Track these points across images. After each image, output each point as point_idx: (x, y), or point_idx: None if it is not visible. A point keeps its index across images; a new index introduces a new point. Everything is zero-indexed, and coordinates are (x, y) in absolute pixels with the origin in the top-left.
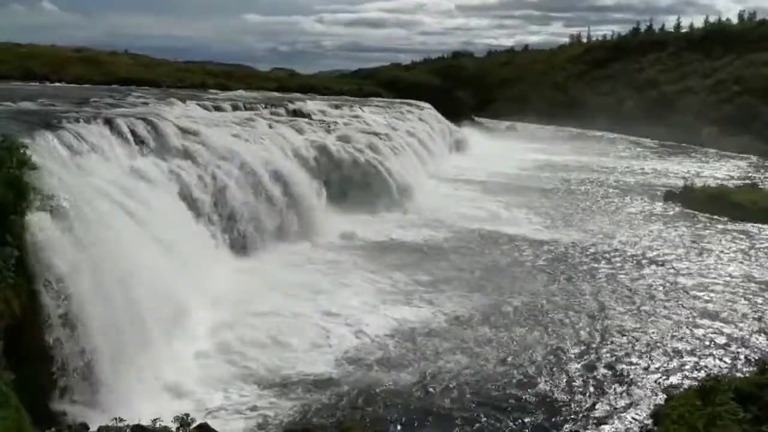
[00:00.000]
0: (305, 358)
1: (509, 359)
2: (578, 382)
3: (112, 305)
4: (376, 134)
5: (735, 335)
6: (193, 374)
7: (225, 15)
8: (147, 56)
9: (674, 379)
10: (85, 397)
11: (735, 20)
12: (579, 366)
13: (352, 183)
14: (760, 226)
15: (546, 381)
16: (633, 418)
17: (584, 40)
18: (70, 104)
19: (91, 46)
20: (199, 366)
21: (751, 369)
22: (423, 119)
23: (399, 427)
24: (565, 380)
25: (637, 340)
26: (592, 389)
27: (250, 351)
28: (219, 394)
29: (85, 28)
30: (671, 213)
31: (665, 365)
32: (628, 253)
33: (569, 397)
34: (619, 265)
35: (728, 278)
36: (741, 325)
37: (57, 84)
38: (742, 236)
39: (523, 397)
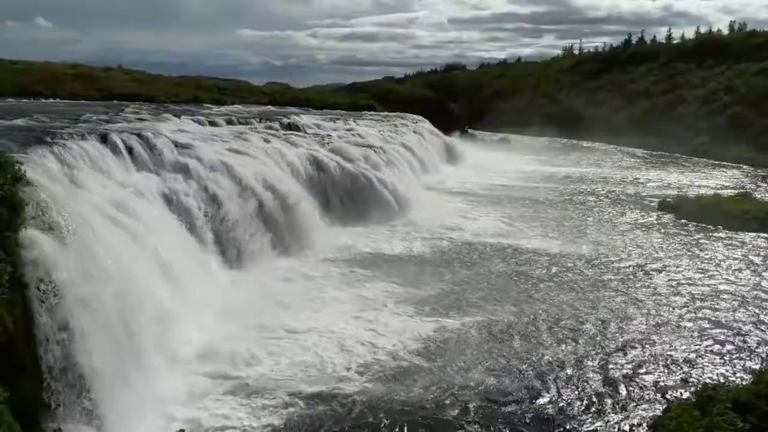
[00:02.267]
0: (305, 371)
1: (509, 371)
2: (578, 393)
3: (107, 321)
4: (371, 147)
5: (734, 343)
6: (189, 390)
7: (219, 30)
8: (141, 72)
9: (673, 389)
10: (80, 414)
11: (726, 31)
12: (579, 376)
13: (346, 196)
14: (754, 235)
15: (544, 391)
16: (631, 430)
17: (576, 52)
18: (64, 120)
19: (87, 62)
20: (195, 382)
21: (749, 378)
22: (417, 132)
23: None
24: (564, 391)
25: (637, 349)
26: (591, 400)
27: (246, 366)
28: (215, 410)
29: (80, 44)
30: (666, 223)
31: (665, 375)
32: (626, 263)
33: (568, 408)
34: (616, 274)
35: (727, 287)
36: (739, 333)
37: (51, 100)
38: (737, 245)
39: (519, 410)
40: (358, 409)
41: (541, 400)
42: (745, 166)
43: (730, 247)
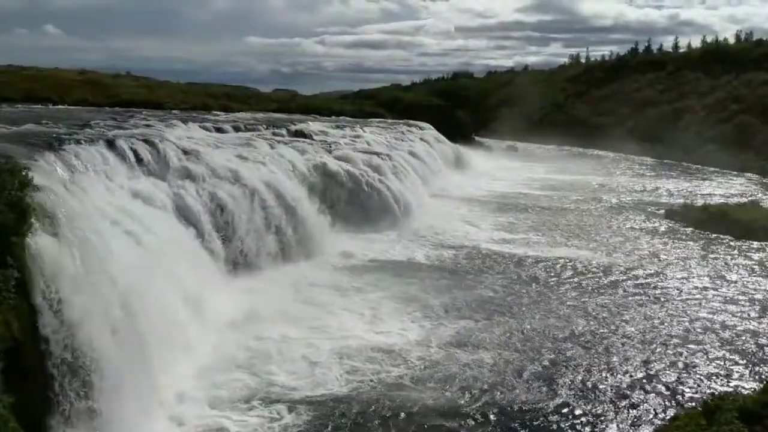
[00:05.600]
0: (314, 381)
1: (515, 377)
2: (584, 401)
3: (113, 327)
4: (377, 154)
5: (744, 351)
6: (195, 398)
7: (227, 37)
8: (149, 78)
9: (681, 398)
10: (85, 420)
11: (732, 40)
12: (585, 383)
13: (353, 202)
14: (763, 243)
15: (549, 399)
16: None
17: (583, 60)
18: (72, 126)
19: (95, 68)
20: (201, 389)
21: (757, 387)
22: (424, 139)
23: None
24: (569, 399)
25: (644, 357)
26: (597, 408)
27: (253, 374)
28: (222, 418)
29: (89, 51)
30: (674, 231)
31: (672, 383)
32: (637, 271)
33: (573, 417)
34: (625, 281)
35: (736, 295)
36: (749, 341)
37: (60, 106)
38: (747, 253)
39: (524, 417)
40: (367, 416)
41: (538, 407)
42: (752, 175)
43: (740, 255)
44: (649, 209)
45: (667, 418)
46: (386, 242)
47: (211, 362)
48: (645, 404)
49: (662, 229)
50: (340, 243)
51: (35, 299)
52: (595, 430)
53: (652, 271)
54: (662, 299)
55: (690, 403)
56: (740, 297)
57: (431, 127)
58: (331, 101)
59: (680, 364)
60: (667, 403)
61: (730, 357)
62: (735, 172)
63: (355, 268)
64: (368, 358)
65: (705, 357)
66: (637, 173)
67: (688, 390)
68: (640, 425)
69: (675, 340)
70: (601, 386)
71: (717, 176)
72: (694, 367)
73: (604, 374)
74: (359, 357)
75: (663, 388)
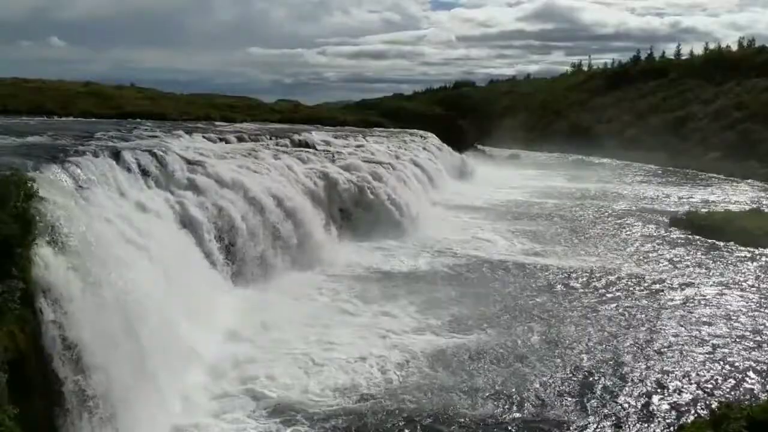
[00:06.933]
0: (324, 392)
1: (524, 388)
2: (591, 412)
3: (118, 339)
4: (380, 163)
5: (753, 359)
6: (203, 410)
7: (229, 48)
8: (153, 90)
9: (688, 407)
10: (90, 430)
11: (734, 47)
12: (592, 394)
13: (357, 212)
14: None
15: (556, 409)
16: None
17: (585, 68)
18: (77, 138)
19: (99, 80)
20: (208, 401)
21: (765, 395)
22: (426, 148)
23: None
24: (577, 410)
25: (652, 367)
26: (605, 420)
27: (260, 385)
28: (228, 426)
29: (93, 63)
30: (678, 239)
31: (680, 392)
32: (641, 279)
33: (581, 427)
34: (632, 290)
35: (743, 302)
36: (757, 349)
37: (65, 118)
38: (753, 261)
39: (531, 426)
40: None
41: (545, 415)
42: (756, 182)
43: (744, 263)
44: (654, 217)
45: (675, 428)
46: (389, 251)
47: (217, 372)
48: (654, 413)
49: (667, 236)
50: (345, 253)
51: (40, 311)
52: None
53: (665, 280)
54: (672, 307)
55: (693, 411)
56: (746, 304)
57: (434, 136)
58: (334, 111)
59: (693, 374)
60: (677, 412)
61: (737, 365)
62: (739, 180)
63: (361, 278)
64: (379, 368)
65: (710, 366)
66: (640, 181)
67: (693, 400)
68: None
69: (687, 348)
70: (608, 395)
71: (721, 183)
72: (706, 375)
73: (614, 383)
74: (369, 367)
75: (668, 398)
